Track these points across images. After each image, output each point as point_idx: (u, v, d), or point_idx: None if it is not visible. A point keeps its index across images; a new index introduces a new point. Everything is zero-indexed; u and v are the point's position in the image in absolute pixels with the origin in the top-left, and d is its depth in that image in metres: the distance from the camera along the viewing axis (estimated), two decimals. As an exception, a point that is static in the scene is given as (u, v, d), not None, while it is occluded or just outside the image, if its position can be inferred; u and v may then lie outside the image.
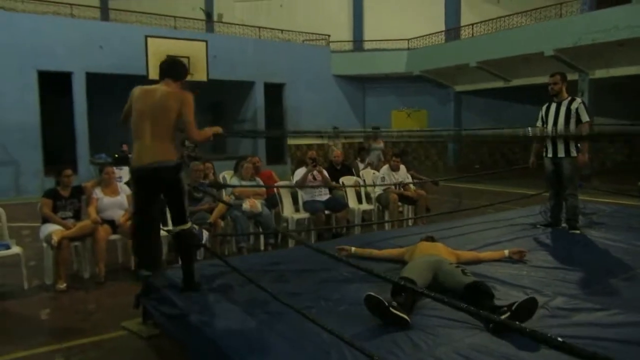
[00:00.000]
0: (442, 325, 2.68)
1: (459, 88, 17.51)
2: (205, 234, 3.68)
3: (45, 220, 5.00)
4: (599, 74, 13.40)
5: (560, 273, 3.58)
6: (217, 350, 2.53)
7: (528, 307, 2.62)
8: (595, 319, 2.71)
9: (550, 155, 5.32)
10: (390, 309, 2.64)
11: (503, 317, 2.57)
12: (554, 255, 4.13)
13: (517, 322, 2.47)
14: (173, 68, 3.60)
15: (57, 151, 12.53)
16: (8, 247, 4.67)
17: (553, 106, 5.35)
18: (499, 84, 15.86)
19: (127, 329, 3.73)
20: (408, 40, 17.46)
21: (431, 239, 3.84)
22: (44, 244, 4.89)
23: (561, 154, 5.20)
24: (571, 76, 13.82)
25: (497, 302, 2.86)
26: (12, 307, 4.36)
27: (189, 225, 3.43)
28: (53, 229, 4.82)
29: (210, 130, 3.64)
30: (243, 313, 2.91)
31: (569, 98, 5.28)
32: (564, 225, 5.27)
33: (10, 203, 9.70)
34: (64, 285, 4.69)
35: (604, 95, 14.24)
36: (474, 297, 2.86)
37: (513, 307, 2.62)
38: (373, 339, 2.52)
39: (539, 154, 5.55)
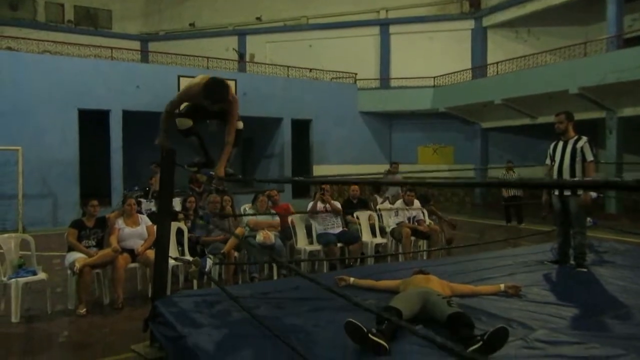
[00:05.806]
0: (420, 352, 2.80)
1: (485, 125, 17.55)
2: (209, 262, 3.91)
3: (71, 248, 5.36)
4: (628, 112, 13.25)
5: (552, 308, 3.63)
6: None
7: (499, 337, 2.72)
8: (569, 351, 2.77)
9: (557, 192, 5.38)
10: (369, 335, 2.79)
11: (476, 346, 2.69)
12: (551, 291, 4.16)
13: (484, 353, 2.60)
14: None
15: (93, 184, 13.12)
16: (35, 274, 5.04)
17: (560, 144, 5.46)
18: (526, 121, 15.83)
19: (136, 351, 3.96)
20: (434, 77, 17.75)
21: (423, 272, 3.96)
22: (68, 271, 5.24)
23: (567, 192, 5.26)
24: (598, 114, 13.75)
25: (477, 332, 2.96)
26: (35, 329, 4.69)
27: None
28: (76, 257, 5.17)
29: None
30: (235, 337, 3.10)
31: (576, 137, 5.37)
32: (571, 262, 5.27)
33: (47, 233, 10.28)
34: (84, 310, 5.00)
35: (636, 133, 14.00)
36: (454, 326, 2.98)
37: (485, 337, 2.73)
38: (349, 363, 2.67)
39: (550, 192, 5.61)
